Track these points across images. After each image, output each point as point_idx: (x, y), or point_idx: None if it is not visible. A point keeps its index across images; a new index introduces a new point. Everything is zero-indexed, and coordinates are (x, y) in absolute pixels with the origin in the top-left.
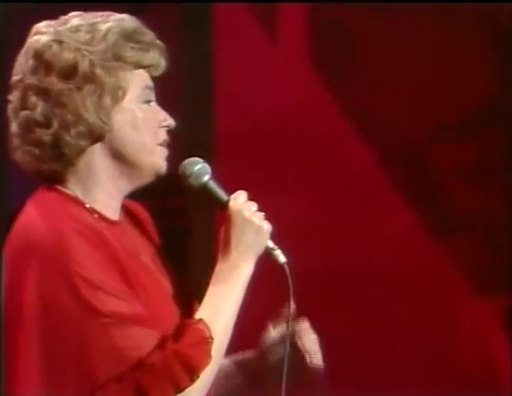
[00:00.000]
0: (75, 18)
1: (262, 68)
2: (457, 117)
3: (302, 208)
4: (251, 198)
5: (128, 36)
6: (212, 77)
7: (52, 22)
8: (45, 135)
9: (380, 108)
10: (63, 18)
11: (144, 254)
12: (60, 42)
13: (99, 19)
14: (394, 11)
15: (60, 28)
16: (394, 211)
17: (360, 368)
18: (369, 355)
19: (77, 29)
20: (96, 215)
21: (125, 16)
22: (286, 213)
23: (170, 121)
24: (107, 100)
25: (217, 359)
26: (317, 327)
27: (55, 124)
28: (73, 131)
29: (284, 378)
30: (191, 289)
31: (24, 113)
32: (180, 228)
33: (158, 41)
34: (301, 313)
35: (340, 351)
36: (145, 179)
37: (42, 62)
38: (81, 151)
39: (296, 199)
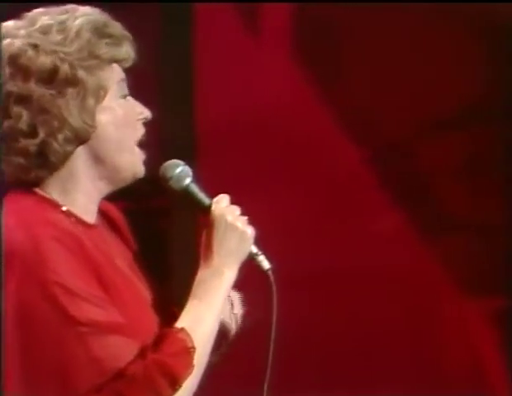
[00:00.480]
0: (42, 16)
1: (244, 65)
2: (448, 115)
3: (289, 208)
4: (234, 201)
5: (100, 31)
6: (193, 76)
7: (19, 23)
8: (31, 145)
9: (368, 106)
10: (29, 17)
11: (120, 259)
12: (35, 45)
13: (67, 16)
14: (382, 8)
15: (31, 29)
16: (383, 211)
17: (349, 368)
18: (358, 356)
19: (47, 29)
20: (73, 219)
21: (90, 8)
22: (272, 213)
23: (147, 113)
24: (91, 101)
25: (200, 368)
26: (307, 327)
27: (42, 133)
28: (59, 137)
29: (267, 378)
30: (169, 294)
31: (7, 123)
32: (161, 230)
33: (126, 32)
34: (290, 314)
35: (330, 350)
36: (124, 181)
37: (19, 67)
38: (67, 157)
39: (282, 199)
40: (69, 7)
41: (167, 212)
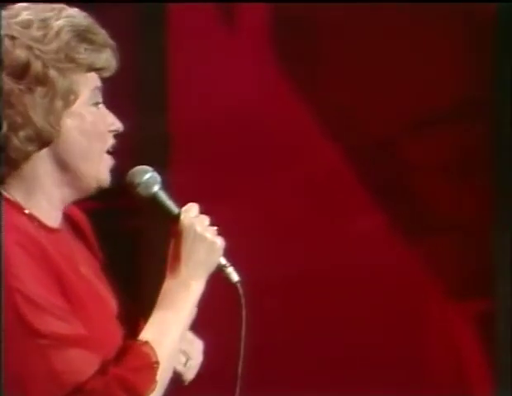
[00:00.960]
0: (25, 11)
1: (220, 65)
2: (432, 114)
3: (266, 210)
4: (207, 208)
5: (81, 36)
6: (167, 76)
7: (3, 12)
8: None
9: (350, 104)
10: (13, 9)
11: (85, 266)
12: (12, 37)
13: (51, 14)
14: (364, 5)
15: (12, 21)
16: (365, 212)
17: (331, 370)
18: (342, 358)
19: (28, 24)
20: (35, 223)
21: (77, 11)
22: (248, 216)
23: (118, 125)
24: (59, 104)
25: (162, 384)
26: (288, 331)
27: (5, 127)
28: (21, 134)
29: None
30: (138, 303)
31: None
32: (131, 231)
33: (110, 40)
34: (269, 319)
35: (311, 353)
36: (87, 190)
37: None
38: (28, 156)
39: (259, 201)
40: (57, 6)
41: (137, 212)
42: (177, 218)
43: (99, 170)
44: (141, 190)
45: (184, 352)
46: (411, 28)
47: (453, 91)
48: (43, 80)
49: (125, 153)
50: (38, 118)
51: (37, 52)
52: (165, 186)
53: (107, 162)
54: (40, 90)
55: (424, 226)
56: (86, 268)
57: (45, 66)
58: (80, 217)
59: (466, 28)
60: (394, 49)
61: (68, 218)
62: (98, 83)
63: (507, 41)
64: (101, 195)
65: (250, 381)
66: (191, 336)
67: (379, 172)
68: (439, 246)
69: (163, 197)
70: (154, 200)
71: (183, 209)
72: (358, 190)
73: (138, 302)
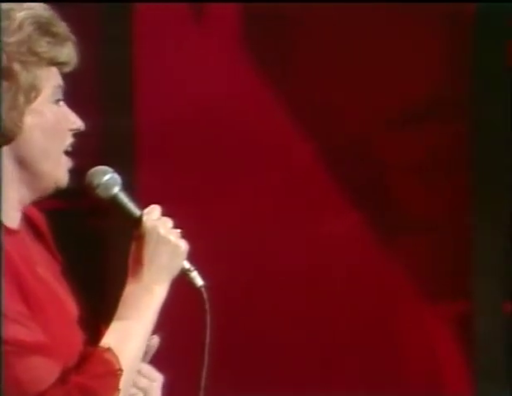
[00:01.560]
0: None
1: (188, 63)
2: (408, 113)
3: (237, 210)
4: (167, 212)
5: (43, 28)
6: (132, 74)
7: None
8: None
9: (323, 103)
10: None
11: (44, 268)
12: None
13: (14, 5)
14: (340, 4)
15: None
16: (340, 211)
17: (306, 370)
18: (317, 358)
19: None
20: None
21: (39, 4)
22: (216, 217)
23: (79, 124)
24: (21, 99)
25: (125, 392)
26: (263, 330)
27: None
28: None
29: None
30: (97, 307)
31: None
32: (94, 232)
33: (71, 34)
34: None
35: (289, 354)
36: (46, 190)
37: None
38: None
39: (228, 201)
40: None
41: (102, 215)
42: (138, 220)
43: (58, 169)
44: (101, 192)
45: (142, 389)
46: (388, 27)
47: (431, 90)
48: (7, 74)
49: (89, 152)
50: (3, 113)
51: (1, 44)
52: (129, 186)
53: (66, 161)
54: (4, 84)
55: (401, 226)
56: (45, 271)
57: (9, 59)
58: (39, 218)
59: (444, 27)
60: (371, 49)
61: (27, 219)
62: (60, 80)
63: (485, 40)
64: (64, 195)
65: (217, 384)
66: (148, 370)
67: (355, 171)
68: (416, 246)
69: (124, 199)
70: (114, 201)
71: (145, 211)
72: (334, 189)
73: (100, 305)
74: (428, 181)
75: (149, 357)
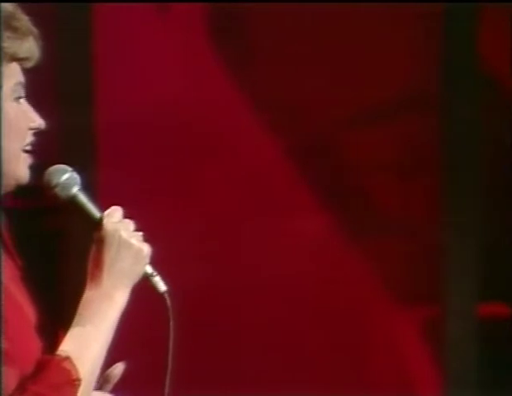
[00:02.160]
0: None
1: (149, 60)
2: (380, 110)
3: (201, 211)
4: (128, 214)
5: (5, 23)
6: (92, 72)
7: None
8: None
9: (291, 101)
10: None
11: (3, 272)
12: None
13: None
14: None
15: None
16: (308, 213)
17: (278, 372)
18: (288, 361)
19: None
20: None
21: None
22: (182, 217)
23: (40, 122)
24: None
25: None
26: (231, 333)
27: None
28: None
29: None
30: (55, 313)
31: None
32: (53, 232)
33: (33, 28)
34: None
35: (257, 355)
36: (5, 188)
37: None
38: None
39: (194, 201)
40: None
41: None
42: (98, 222)
43: (18, 167)
44: (59, 192)
45: None
46: (357, 25)
47: (401, 89)
48: None
49: (48, 150)
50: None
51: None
52: (88, 186)
53: (26, 159)
54: None
55: (372, 227)
56: (4, 274)
57: None
58: None
59: (414, 17)
60: (340, 46)
61: None
62: (21, 77)
63: (455, 37)
64: (23, 194)
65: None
66: None
67: (324, 171)
68: (387, 248)
69: (83, 200)
70: (73, 202)
71: (106, 213)
72: (302, 190)
73: (58, 311)
74: (398, 182)
75: (111, 386)
